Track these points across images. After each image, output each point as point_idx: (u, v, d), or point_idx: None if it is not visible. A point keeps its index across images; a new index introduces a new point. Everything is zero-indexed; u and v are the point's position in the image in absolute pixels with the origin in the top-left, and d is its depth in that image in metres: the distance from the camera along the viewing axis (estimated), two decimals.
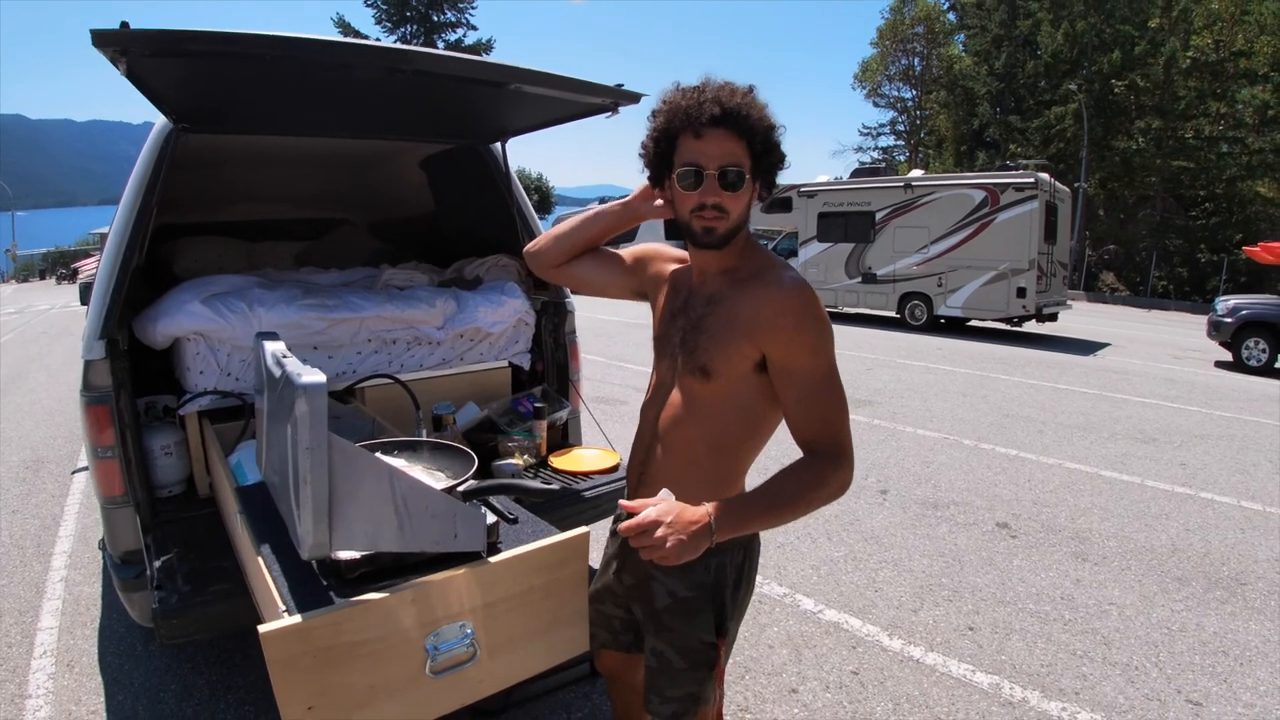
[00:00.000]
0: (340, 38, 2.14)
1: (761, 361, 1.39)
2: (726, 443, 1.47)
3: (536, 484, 1.46)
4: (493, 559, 1.37)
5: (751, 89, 1.38)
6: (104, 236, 2.95)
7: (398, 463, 1.50)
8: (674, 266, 1.63)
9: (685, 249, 1.59)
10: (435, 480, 1.48)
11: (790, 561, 3.90)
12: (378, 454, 1.38)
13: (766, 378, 1.41)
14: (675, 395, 1.50)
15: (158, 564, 2.10)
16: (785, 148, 1.41)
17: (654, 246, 1.70)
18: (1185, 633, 3.27)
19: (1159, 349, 13.41)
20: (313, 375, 1.19)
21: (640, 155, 1.47)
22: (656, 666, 1.60)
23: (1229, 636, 3.25)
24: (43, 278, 40.16)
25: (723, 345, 1.40)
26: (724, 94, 1.34)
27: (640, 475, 1.57)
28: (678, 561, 1.24)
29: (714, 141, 1.34)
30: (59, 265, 39.93)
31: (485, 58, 2.53)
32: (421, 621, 1.29)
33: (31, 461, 5.64)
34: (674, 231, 1.44)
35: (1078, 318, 17.35)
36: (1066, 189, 15.21)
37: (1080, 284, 26.91)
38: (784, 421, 1.44)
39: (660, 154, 1.41)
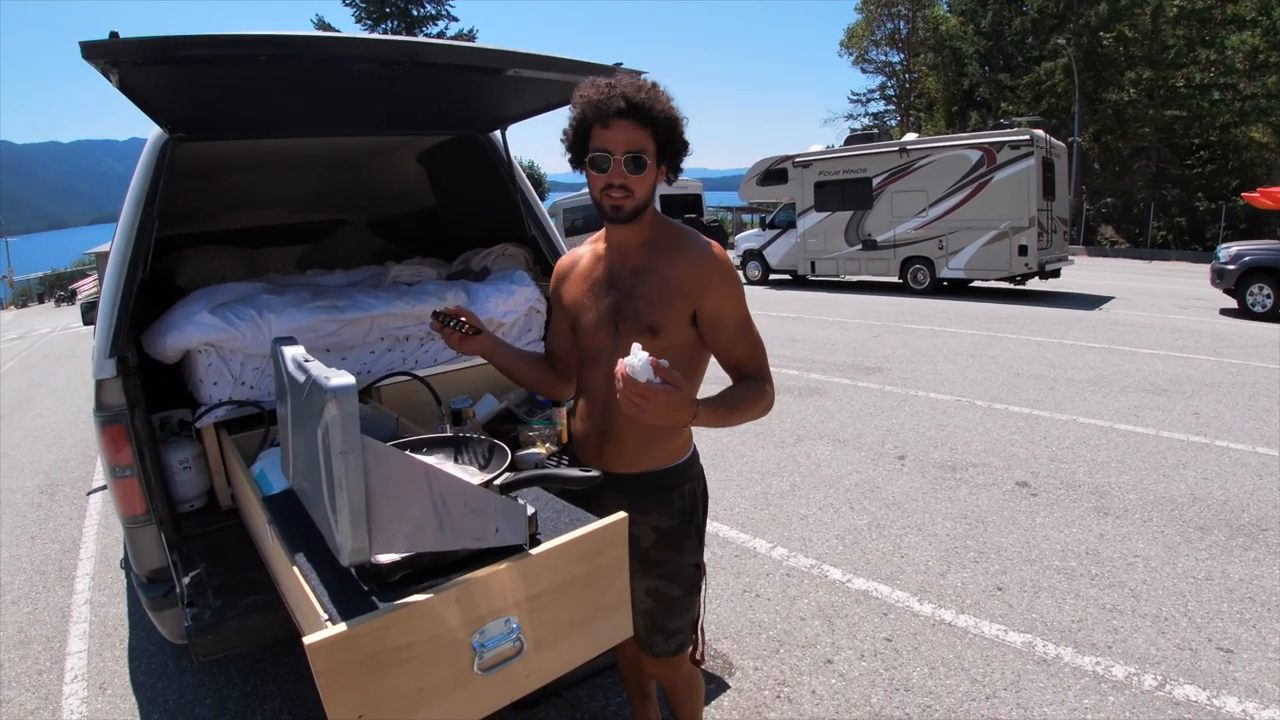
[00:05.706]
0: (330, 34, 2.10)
1: (694, 316, 1.63)
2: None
3: (575, 472, 1.43)
4: (534, 551, 1.35)
5: (655, 84, 1.57)
6: (100, 255, 2.92)
7: (430, 460, 1.48)
8: (584, 261, 1.80)
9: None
10: (470, 475, 1.45)
11: (814, 532, 3.89)
12: (409, 452, 1.36)
13: (696, 329, 1.65)
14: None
15: (186, 580, 2.07)
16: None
17: (563, 263, 1.88)
18: (1211, 581, 3.27)
19: (1163, 299, 13.35)
20: (342, 378, 1.16)
21: (561, 141, 1.64)
22: (655, 606, 1.77)
23: (1255, 583, 3.24)
24: (41, 301, 39.98)
25: (664, 305, 1.62)
26: (629, 89, 1.51)
27: (602, 431, 1.74)
28: (656, 420, 1.39)
29: (620, 131, 1.52)
30: (57, 288, 39.71)
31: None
32: (467, 620, 1.26)
33: (46, 486, 5.64)
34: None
35: (1080, 273, 17.26)
36: (1061, 144, 15.09)
37: (1080, 239, 26.77)
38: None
39: (577, 140, 1.59)
